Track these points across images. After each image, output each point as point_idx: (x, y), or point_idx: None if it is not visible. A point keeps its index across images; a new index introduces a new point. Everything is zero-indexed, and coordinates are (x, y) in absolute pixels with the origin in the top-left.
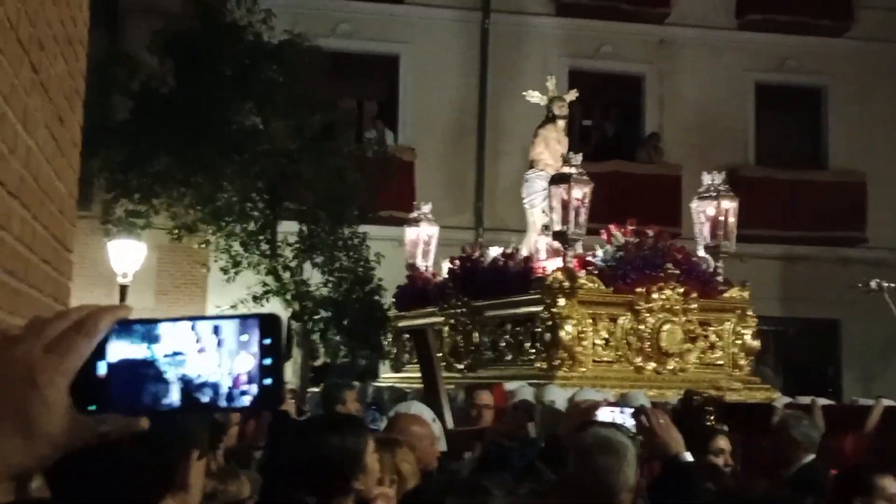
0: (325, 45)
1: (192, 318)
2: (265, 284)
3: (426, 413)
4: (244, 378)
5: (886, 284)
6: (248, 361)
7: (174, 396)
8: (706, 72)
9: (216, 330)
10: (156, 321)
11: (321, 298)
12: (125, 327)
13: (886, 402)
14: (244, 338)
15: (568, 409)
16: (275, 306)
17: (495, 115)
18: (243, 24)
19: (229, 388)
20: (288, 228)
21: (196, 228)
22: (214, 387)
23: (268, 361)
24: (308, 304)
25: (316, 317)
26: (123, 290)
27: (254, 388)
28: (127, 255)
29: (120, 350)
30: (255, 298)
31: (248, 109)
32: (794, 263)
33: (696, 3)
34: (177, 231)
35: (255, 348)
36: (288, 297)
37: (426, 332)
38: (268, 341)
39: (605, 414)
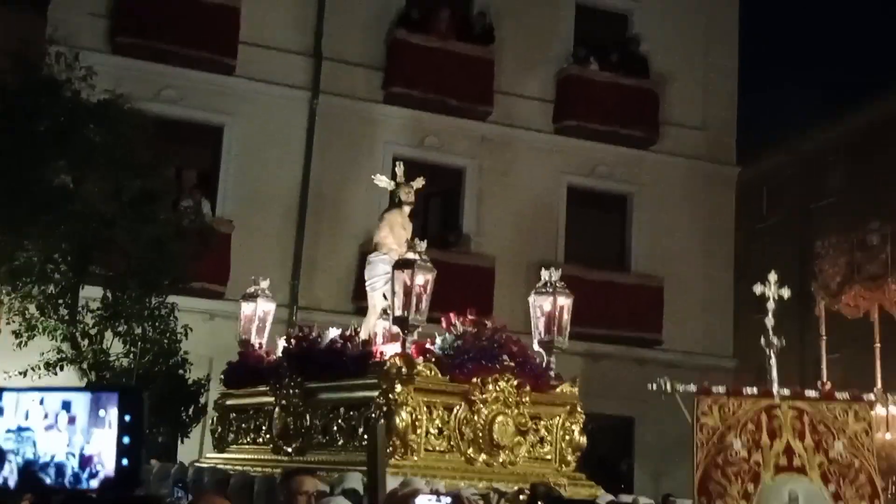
0: (147, 108)
1: (41, 389)
2: (60, 351)
3: None
4: (97, 458)
5: (681, 387)
6: (103, 440)
7: (11, 475)
8: (523, 170)
9: (67, 405)
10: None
11: (120, 370)
12: None
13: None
14: (101, 413)
15: (386, 498)
16: (69, 375)
17: (318, 194)
18: (62, 80)
19: (76, 468)
20: (91, 294)
21: None
22: (60, 467)
23: (126, 440)
24: (106, 374)
25: None
26: None
27: (108, 470)
28: None
29: None
30: (49, 366)
31: (60, 168)
32: (596, 361)
33: (517, 105)
34: None
35: (112, 426)
36: (85, 366)
37: (377, 427)
38: (128, 418)
39: (422, 501)
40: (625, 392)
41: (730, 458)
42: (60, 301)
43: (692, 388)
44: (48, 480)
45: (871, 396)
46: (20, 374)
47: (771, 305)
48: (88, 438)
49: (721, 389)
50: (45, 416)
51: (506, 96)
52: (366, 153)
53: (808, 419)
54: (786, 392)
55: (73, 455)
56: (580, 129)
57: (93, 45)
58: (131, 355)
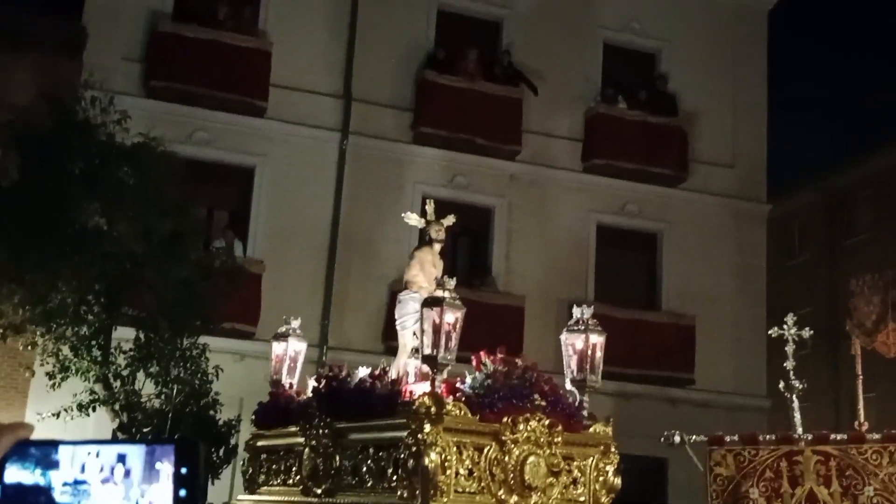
0: (180, 150)
1: (97, 442)
2: (93, 392)
3: None
4: None
5: (688, 438)
6: (160, 493)
7: None
8: (552, 209)
9: (122, 458)
10: (55, 443)
11: (152, 410)
12: (22, 448)
13: None
14: (157, 465)
15: None
16: (101, 416)
17: (347, 234)
18: (97, 124)
19: None
20: (123, 335)
21: (24, 329)
22: None
23: (183, 493)
24: (137, 415)
25: (145, 429)
26: None
27: None
28: None
29: (15, 473)
30: (81, 407)
31: (93, 209)
32: (627, 401)
33: (546, 144)
34: (1, 331)
35: (168, 478)
36: (117, 407)
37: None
38: (184, 470)
39: None
40: (657, 432)
41: None
42: (93, 342)
43: (703, 438)
44: None
45: None
46: (53, 415)
47: (791, 348)
48: (144, 492)
49: (734, 438)
50: (101, 470)
51: (534, 135)
52: (395, 193)
53: (834, 464)
54: (808, 437)
55: None
56: (609, 167)
57: (127, 89)
58: (163, 396)
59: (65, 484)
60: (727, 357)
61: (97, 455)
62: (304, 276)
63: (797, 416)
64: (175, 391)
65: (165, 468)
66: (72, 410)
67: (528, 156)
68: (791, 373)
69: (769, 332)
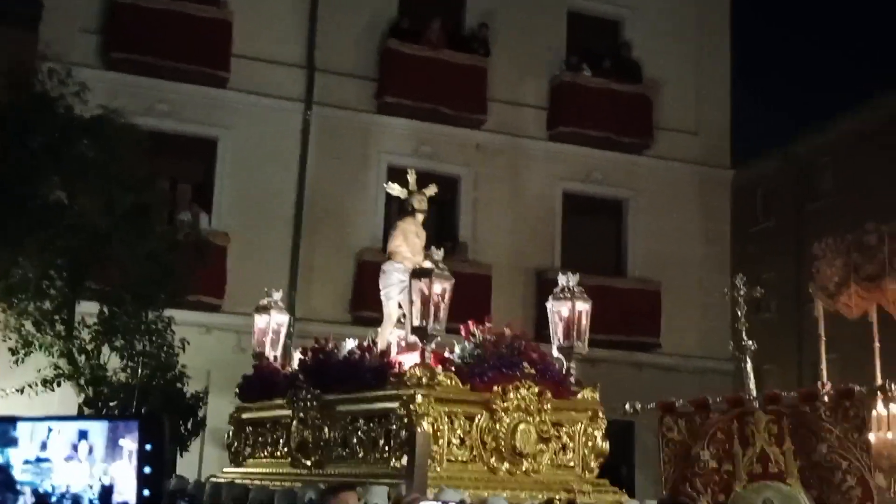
0: (141, 123)
1: (58, 418)
2: (57, 367)
3: None
4: (117, 489)
5: (639, 405)
6: (124, 470)
7: None
8: (518, 178)
9: (84, 434)
10: (13, 420)
11: (118, 384)
12: None
13: None
14: (122, 442)
15: None
16: (67, 391)
17: (313, 205)
18: (55, 96)
19: (95, 500)
20: (87, 309)
21: None
22: (77, 498)
23: (148, 470)
24: (103, 389)
25: (111, 403)
26: None
27: (129, 500)
28: None
29: None
30: (46, 382)
31: (54, 183)
32: (594, 366)
33: (511, 113)
34: None
35: (133, 455)
36: (82, 381)
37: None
38: (149, 447)
39: None
40: (624, 397)
41: (698, 470)
42: (56, 317)
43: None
44: None
45: (862, 389)
46: (17, 391)
47: (743, 309)
48: (107, 469)
49: (684, 402)
50: (63, 447)
51: (500, 104)
52: (360, 163)
53: (787, 423)
54: (759, 398)
55: (92, 486)
56: (575, 135)
57: (85, 61)
58: (129, 370)
59: (26, 462)
60: (693, 321)
61: (59, 432)
62: (270, 248)
63: (751, 376)
64: (141, 365)
65: (128, 444)
66: (36, 386)
67: (494, 124)
68: (743, 333)
69: (724, 291)
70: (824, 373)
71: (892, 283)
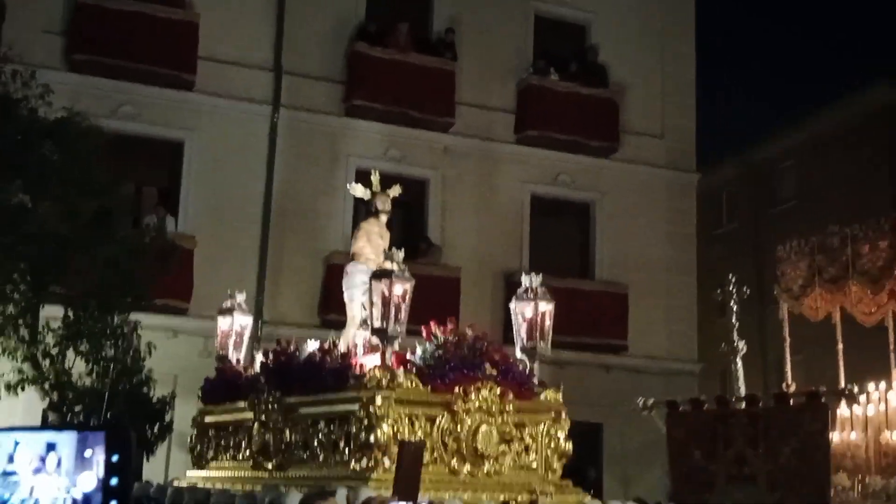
0: (106, 126)
1: (25, 429)
2: (21, 372)
3: None
4: (85, 500)
5: (651, 401)
6: (90, 481)
7: None
8: (486, 181)
9: (53, 446)
10: None
11: (83, 389)
12: None
13: None
14: (87, 453)
15: None
16: (31, 395)
17: (281, 208)
18: (18, 98)
19: None
20: (52, 313)
21: None
22: None
23: (114, 482)
24: (68, 394)
25: (76, 408)
26: None
27: None
28: None
29: None
30: (9, 387)
31: (16, 187)
32: (563, 368)
33: (479, 116)
34: None
35: (99, 466)
36: (46, 386)
37: (420, 447)
38: (115, 458)
39: None
40: (592, 399)
41: (690, 470)
42: (20, 321)
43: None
44: None
45: (824, 390)
46: None
47: (733, 307)
48: (75, 480)
49: (683, 401)
50: (31, 459)
51: (468, 107)
52: (328, 166)
53: (762, 425)
54: (740, 399)
55: (60, 499)
56: (542, 138)
57: (49, 63)
58: (94, 374)
59: None
60: (660, 323)
61: (26, 444)
62: (238, 251)
63: (741, 377)
64: (107, 369)
65: (96, 455)
66: None
67: (462, 128)
68: (735, 333)
69: (716, 292)
70: (789, 374)
71: (855, 285)
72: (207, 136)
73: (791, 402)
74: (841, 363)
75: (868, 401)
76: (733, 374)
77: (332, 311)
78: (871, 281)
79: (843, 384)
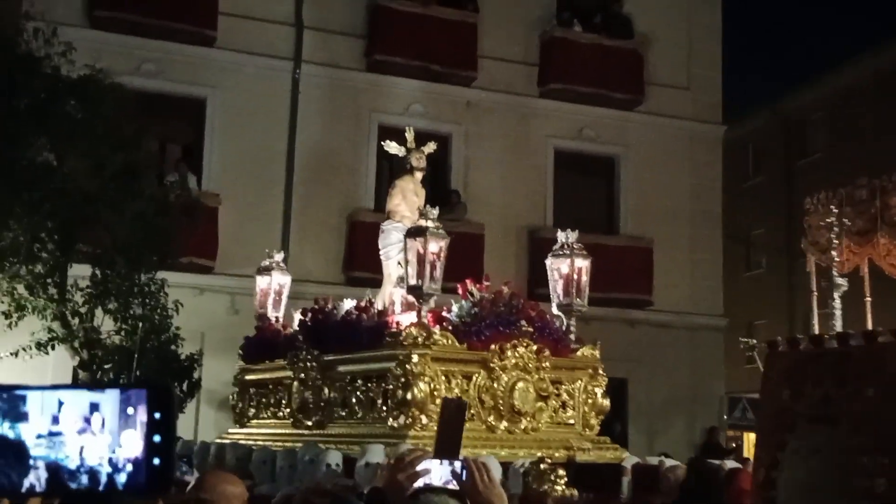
0: (128, 83)
1: (66, 387)
2: (51, 331)
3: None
4: (130, 459)
5: (754, 340)
6: (133, 440)
7: (39, 480)
8: (509, 136)
9: (97, 406)
10: (21, 390)
11: (112, 347)
12: None
13: (669, 462)
14: (130, 411)
15: (395, 460)
16: (61, 354)
17: (304, 165)
18: (41, 56)
19: (110, 471)
20: (80, 272)
21: None
22: (91, 470)
23: (157, 439)
24: (98, 352)
25: (106, 366)
26: None
27: (139, 471)
28: None
29: None
30: (40, 345)
31: (41, 145)
32: (587, 323)
33: (502, 70)
34: None
35: (141, 424)
36: (76, 344)
37: (462, 404)
38: (158, 416)
39: (426, 464)
40: (617, 353)
41: (776, 411)
42: (49, 280)
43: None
44: (79, 484)
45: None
46: (11, 354)
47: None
48: (119, 439)
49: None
50: (76, 419)
51: (490, 61)
52: (351, 122)
53: (851, 364)
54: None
55: (105, 458)
56: (565, 91)
57: (70, 20)
58: (123, 332)
59: (38, 436)
60: (685, 278)
61: (70, 405)
62: (261, 209)
63: (839, 316)
64: (135, 327)
65: (138, 414)
66: (30, 349)
67: (485, 82)
68: (835, 272)
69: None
70: (816, 328)
71: (884, 237)
72: (229, 93)
73: (878, 339)
74: (869, 316)
75: None
76: (832, 315)
77: (356, 268)
78: None
79: None
